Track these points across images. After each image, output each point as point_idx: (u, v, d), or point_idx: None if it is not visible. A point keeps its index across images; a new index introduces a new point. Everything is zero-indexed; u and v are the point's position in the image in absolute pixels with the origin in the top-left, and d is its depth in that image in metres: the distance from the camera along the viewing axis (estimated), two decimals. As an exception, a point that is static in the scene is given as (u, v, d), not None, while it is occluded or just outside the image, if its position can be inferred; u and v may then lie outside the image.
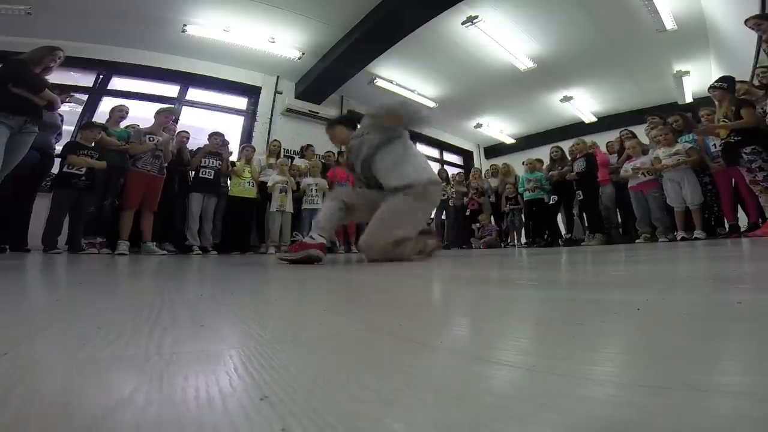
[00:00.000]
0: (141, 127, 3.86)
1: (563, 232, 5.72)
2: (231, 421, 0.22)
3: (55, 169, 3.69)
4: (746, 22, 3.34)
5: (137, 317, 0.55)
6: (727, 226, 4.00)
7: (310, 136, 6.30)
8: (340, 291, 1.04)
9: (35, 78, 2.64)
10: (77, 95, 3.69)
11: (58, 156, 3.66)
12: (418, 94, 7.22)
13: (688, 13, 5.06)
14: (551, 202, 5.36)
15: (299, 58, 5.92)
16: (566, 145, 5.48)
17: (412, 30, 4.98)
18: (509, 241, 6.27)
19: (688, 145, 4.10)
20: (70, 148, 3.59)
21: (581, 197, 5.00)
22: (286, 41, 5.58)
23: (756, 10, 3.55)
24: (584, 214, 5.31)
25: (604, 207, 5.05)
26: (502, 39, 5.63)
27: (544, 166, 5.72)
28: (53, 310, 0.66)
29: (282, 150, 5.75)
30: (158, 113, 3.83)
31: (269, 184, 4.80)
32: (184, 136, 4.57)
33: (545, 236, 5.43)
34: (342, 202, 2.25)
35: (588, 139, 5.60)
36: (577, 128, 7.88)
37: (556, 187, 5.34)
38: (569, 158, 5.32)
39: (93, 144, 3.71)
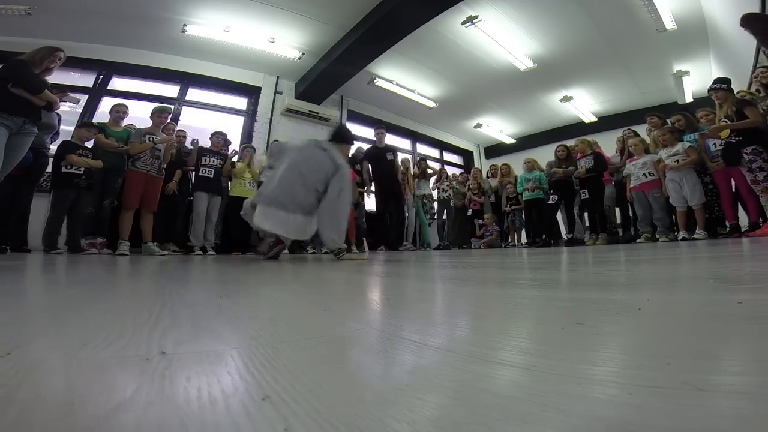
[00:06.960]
0: (139, 127, 3.86)
1: (564, 231, 5.70)
2: (233, 421, 0.22)
3: (49, 169, 3.67)
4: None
5: (138, 318, 0.55)
6: (727, 226, 3.99)
7: (310, 136, 6.22)
8: (340, 291, 1.04)
9: (35, 79, 2.63)
10: (72, 94, 3.65)
11: (52, 156, 3.64)
12: (418, 94, 7.21)
13: (688, 13, 5.05)
14: (551, 201, 5.33)
15: (299, 58, 5.92)
16: (568, 145, 5.44)
17: (412, 30, 4.97)
18: (510, 241, 6.27)
19: (687, 145, 4.09)
20: (66, 148, 3.58)
21: (586, 196, 4.98)
22: (286, 41, 5.57)
23: (756, 10, 3.55)
24: (584, 214, 5.29)
25: (606, 207, 5.04)
26: (502, 39, 5.62)
27: (545, 164, 5.64)
28: (54, 310, 0.66)
29: (282, 150, 5.75)
30: (154, 113, 3.83)
31: None
32: (181, 135, 4.58)
33: (544, 236, 5.41)
34: None
35: (589, 138, 5.57)
36: (577, 128, 7.85)
37: (557, 187, 5.30)
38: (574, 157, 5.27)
39: (89, 144, 3.71)
